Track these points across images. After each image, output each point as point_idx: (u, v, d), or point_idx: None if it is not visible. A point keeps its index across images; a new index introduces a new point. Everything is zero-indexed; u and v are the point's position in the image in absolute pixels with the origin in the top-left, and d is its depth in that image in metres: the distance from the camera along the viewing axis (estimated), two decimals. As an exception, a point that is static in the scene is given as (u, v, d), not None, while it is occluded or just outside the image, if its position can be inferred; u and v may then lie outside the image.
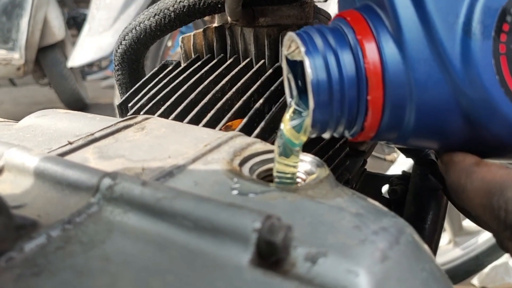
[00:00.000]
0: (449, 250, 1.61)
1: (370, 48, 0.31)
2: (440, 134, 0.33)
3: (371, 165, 0.67)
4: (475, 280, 1.68)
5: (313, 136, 0.33)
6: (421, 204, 0.58)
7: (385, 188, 0.69)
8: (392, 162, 2.18)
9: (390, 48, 0.31)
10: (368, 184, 0.67)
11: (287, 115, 0.33)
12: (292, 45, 0.33)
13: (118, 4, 2.30)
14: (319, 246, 0.24)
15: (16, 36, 3.27)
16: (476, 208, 0.32)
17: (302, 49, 0.31)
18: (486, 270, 1.62)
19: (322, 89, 0.31)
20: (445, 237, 1.64)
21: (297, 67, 0.34)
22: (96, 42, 2.35)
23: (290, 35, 0.33)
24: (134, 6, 2.29)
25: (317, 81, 0.31)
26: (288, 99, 0.35)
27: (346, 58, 0.31)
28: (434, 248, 0.60)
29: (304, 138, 0.32)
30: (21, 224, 0.24)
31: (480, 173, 0.32)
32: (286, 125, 0.33)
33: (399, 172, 0.68)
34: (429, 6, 0.30)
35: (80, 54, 2.41)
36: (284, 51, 0.34)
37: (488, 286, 1.65)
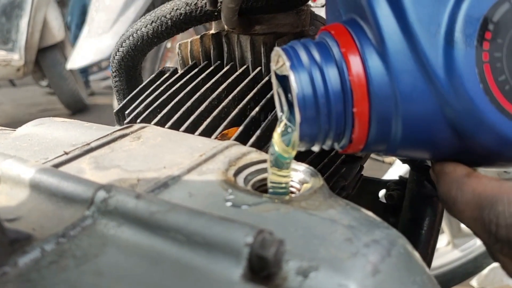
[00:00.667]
0: (448, 252, 1.61)
1: (354, 61, 0.31)
2: (428, 145, 0.33)
3: (370, 167, 0.67)
4: (474, 282, 1.68)
5: (303, 149, 0.33)
6: (417, 210, 0.59)
7: (381, 193, 0.69)
8: (390, 164, 2.18)
9: (374, 60, 0.31)
10: (365, 189, 0.67)
11: (278, 129, 0.34)
12: (279, 60, 0.33)
13: (117, 6, 2.30)
14: (311, 259, 0.24)
15: (15, 37, 3.27)
16: (467, 220, 0.32)
17: (287, 63, 0.31)
18: (485, 271, 1.62)
19: (308, 103, 0.31)
20: (444, 239, 1.65)
21: (286, 82, 0.34)
22: (95, 44, 2.34)
23: (277, 50, 0.33)
24: (133, 8, 2.28)
25: (302, 95, 0.31)
26: (279, 114, 0.35)
27: (331, 72, 0.31)
28: (430, 253, 0.60)
29: (293, 152, 0.33)
30: (15, 238, 0.24)
31: (471, 185, 0.32)
32: (277, 139, 0.33)
33: (398, 174, 0.68)
34: (411, 17, 0.29)
35: (80, 56, 2.41)
36: (273, 66, 0.34)
37: (486, 287, 1.65)
